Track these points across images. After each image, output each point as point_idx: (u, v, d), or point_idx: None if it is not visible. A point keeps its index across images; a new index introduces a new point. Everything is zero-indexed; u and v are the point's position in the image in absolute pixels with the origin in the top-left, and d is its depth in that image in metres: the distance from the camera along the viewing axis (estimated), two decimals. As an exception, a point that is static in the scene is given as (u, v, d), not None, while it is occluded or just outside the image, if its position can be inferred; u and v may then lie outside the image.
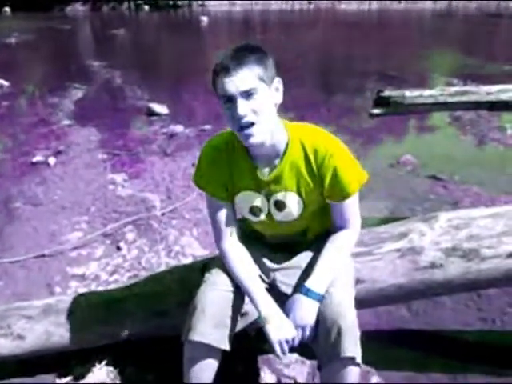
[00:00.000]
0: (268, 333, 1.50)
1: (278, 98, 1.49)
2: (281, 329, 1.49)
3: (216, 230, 1.67)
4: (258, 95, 1.41)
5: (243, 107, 1.40)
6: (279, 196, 1.59)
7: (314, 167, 1.54)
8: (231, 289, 1.59)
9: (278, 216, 1.63)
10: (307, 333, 1.51)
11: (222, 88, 1.41)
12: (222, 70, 1.40)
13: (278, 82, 1.49)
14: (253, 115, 1.41)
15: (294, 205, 1.60)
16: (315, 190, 1.58)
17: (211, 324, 1.52)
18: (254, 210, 1.64)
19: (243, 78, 1.39)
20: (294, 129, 1.56)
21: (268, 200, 1.61)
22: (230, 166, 1.59)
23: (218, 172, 1.60)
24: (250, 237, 1.73)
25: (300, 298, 1.54)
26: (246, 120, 1.41)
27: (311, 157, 1.53)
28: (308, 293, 1.53)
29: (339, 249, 1.63)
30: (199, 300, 1.56)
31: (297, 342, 1.51)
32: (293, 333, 1.50)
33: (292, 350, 1.54)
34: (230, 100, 1.41)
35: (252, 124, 1.41)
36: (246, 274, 1.60)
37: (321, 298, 1.52)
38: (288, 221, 1.64)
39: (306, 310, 1.52)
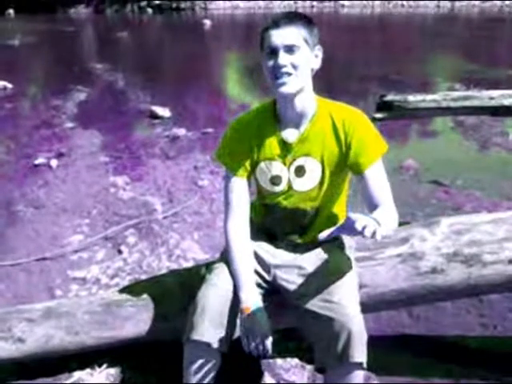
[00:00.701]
0: (241, 322, 1.53)
1: (316, 63, 1.60)
2: (255, 323, 1.51)
3: (227, 208, 1.70)
4: (300, 52, 1.52)
5: (284, 58, 1.51)
6: (301, 161, 1.64)
7: (342, 135, 1.61)
8: (232, 289, 1.60)
9: (297, 184, 1.66)
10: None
11: (269, 40, 1.52)
12: (272, 24, 1.53)
13: (318, 50, 1.59)
14: (291, 68, 1.52)
15: (313, 172, 1.64)
16: (339, 160, 1.63)
17: (211, 324, 1.53)
18: (275, 180, 1.67)
19: (289, 34, 1.51)
20: (323, 102, 1.66)
21: (289, 168, 1.65)
22: (258, 132, 1.66)
23: (242, 144, 1.66)
24: (255, 228, 1.74)
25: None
26: (284, 70, 1.51)
27: (339, 126, 1.61)
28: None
29: (386, 213, 1.51)
30: (200, 300, 1.57)
31: (267, 344, 1.51)
32: (264, 331, 1.50)
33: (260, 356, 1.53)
34: (274, 52, 1.52)
35: (288, 74, 1.52)
36: (239, 260, 1.62)
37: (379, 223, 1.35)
38: (305, 191, 1.67)
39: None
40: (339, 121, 1.61)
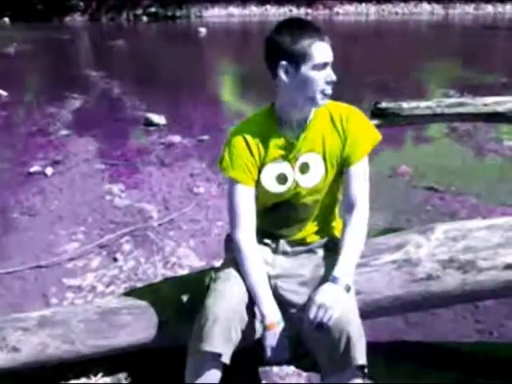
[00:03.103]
0: (266, 337, 1.54)
1: None
2: (278, 339, 1.54)
3: (234, 217, 1.69)
4: None
5: (333, 74, 1.59)
6: (304, 158, 1.67)
7: (339, 126, 1.68)
8: (241, 302, 1.60)
9: (303, 181, 1.69)
10: (324, 313, 1.49)
11: (319, 53, 1.54)
12: (317, 36, 1.54)
13: None
14: None
15: (317, 167, 1.68)
16: (339, 152, 1.68)
17: (221, 336, 1.52)
18: (280, 179, 1.69)
19: (331, 49, 1.59)
20: None
21: (293, 166, 1.68)
22: (261, 137, 1.67)
23: (247, 154, 1.67)
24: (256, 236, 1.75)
25: (328, 285, 1.55)
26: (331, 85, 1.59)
27: (337, 119, 1.68)
28: (335, 281, 1.56)
29: (356, 234, 1.68)
30: (210, 310, 1.55)
31: (287, 353, 1.55)
32: (285, 346, 1.54)
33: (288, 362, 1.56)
34: (325, 66, 1.56)
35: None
36: (255, 274, 1.63)
37: (348, 289, 1.56)
38: (311, 187, 1.70)
39: (333, 294, 1.52)
40: (337, 115, 1.68)
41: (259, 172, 1.69)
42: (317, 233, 1.80)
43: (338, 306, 1.50)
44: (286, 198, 1.73)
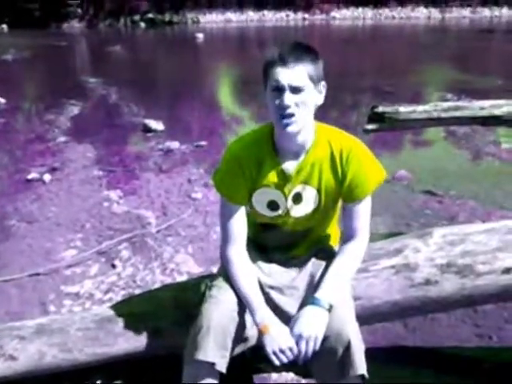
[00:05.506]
0: (264, 343, 1.50)
1: (320, 99, 1.59)
2: (277, 339, 1.49)
3: (224, 234, 1.69)
4: (305, 92, 1.51)
5: (289, 99, 1.49)
6: (299, 188, 1.65)
7: (339, 165, 1.63)
8: (236, 309, 1.59)
9: (294, 210, 1.67)
10: (314, 345, 1.48)
11: (275, 77, 1.50)
12: (279, 60, 1.50)
13: (323, 86, 1.59)
14: (295, 108, 1.51)
15: (310, 199, 1.66)
16: (335, 189, 1.65)
17: (215, 344, 1.51)
18: (272, 205, 1.68)
19: (297, 74, 1.49)
20: (323, 129, 1.66)
21: (287, 196, 1.65)
22: (257, 161, 1.64)
23: (241, 175, 1.64)
24: (249, 247, 1.74)
25: (308, 308, 1.54)
26: (288, 111, 1.50)
27: (336, 155, 1.62)
28: (316, 302, 1.54)
29: (348, 262, 1.67)
30: (204, 318, 1.55)
31: (295, 352, 1.48)
32: (289, 343, 1.49)
33: (294, 363, 1.52)
34: (279, 90, 1.50)
35: (292, 115, 1.51)
36: (246, 284, 1.61)
37: (330, 308, 1.53)
38: (301, 216, 1.68)
39: (315, 319, 1.51)
40: (337, 150, 1.62)
41: (251, 194, 1.68)
42: (312, 247, 1.79)
43: (320, 329, 1.49)
44: (277, 223, 1.72)
